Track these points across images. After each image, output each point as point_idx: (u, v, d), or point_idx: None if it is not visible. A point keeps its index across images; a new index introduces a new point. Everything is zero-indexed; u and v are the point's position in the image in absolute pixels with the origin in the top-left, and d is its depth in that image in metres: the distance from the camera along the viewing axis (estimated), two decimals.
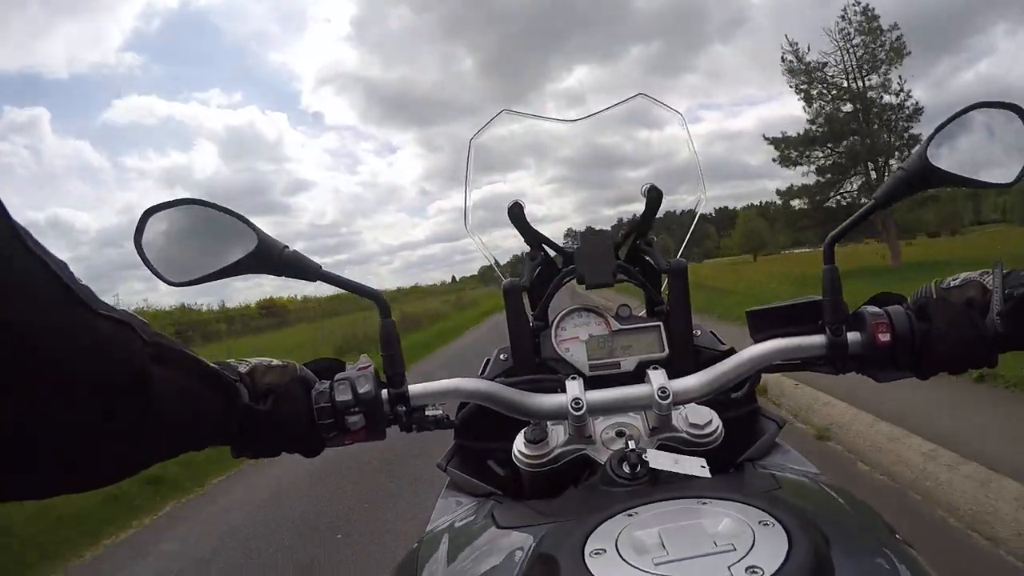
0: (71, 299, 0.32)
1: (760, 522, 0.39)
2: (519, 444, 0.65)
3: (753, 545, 0.36)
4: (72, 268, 0.33)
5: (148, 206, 0.55)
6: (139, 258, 0.55)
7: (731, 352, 0.69)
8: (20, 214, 0.30)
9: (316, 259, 0.60)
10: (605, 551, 0.38)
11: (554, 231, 0.85)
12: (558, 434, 0.65)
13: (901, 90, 18.71)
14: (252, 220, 0.58)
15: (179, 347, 0.43)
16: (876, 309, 0.60)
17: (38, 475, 0.35)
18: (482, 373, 0.79)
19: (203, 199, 0.57)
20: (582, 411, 0.60)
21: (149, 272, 0.56)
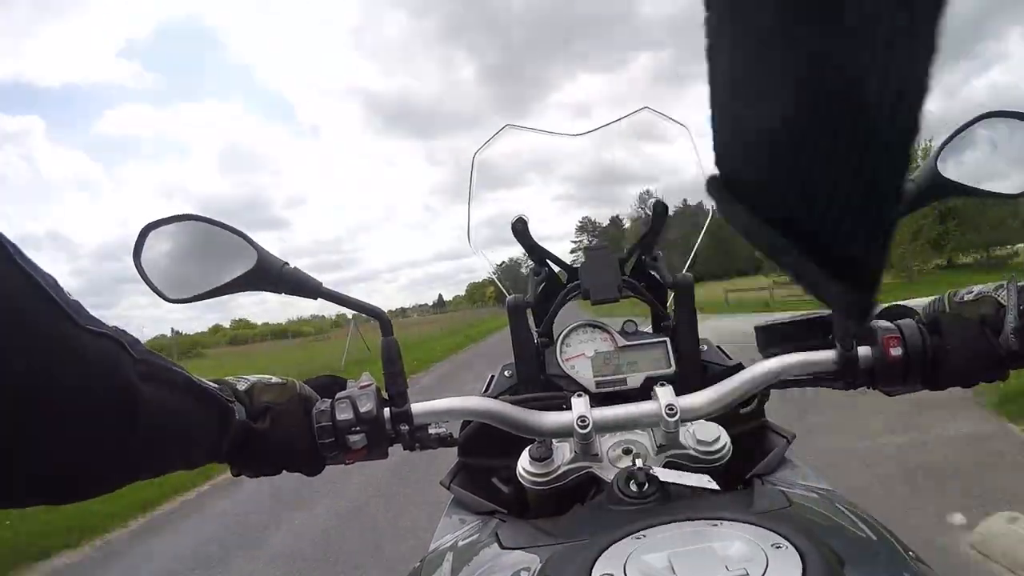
0: (57, 314, 0.32)
1: (773, 544, 0.38)
2: (524, 462, 0.64)
3: (767, 569, 0.35)
4: (72, 281, 0.32)
5: (147, 222, 0.55)
6: (138, 274, 0.55)
7: (739, 367, 0.68)
8: (16, 225, 0.29)
9: (318, 276, 0.60)
10: (613, 575, 0.37)
11: (559, 249, 0.84)
12: (563, 452, 0.63)
13: None
14: (252, 236, 0.57)
15: (170, 365, 0.42)
16: (887, 323, 0.59)
17: (17, 485, 0.34)
18: (486, 390, 0.78)
19: (202, 215, 0.56)
20: (588, 429, 0.58)
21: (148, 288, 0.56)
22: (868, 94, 0.14)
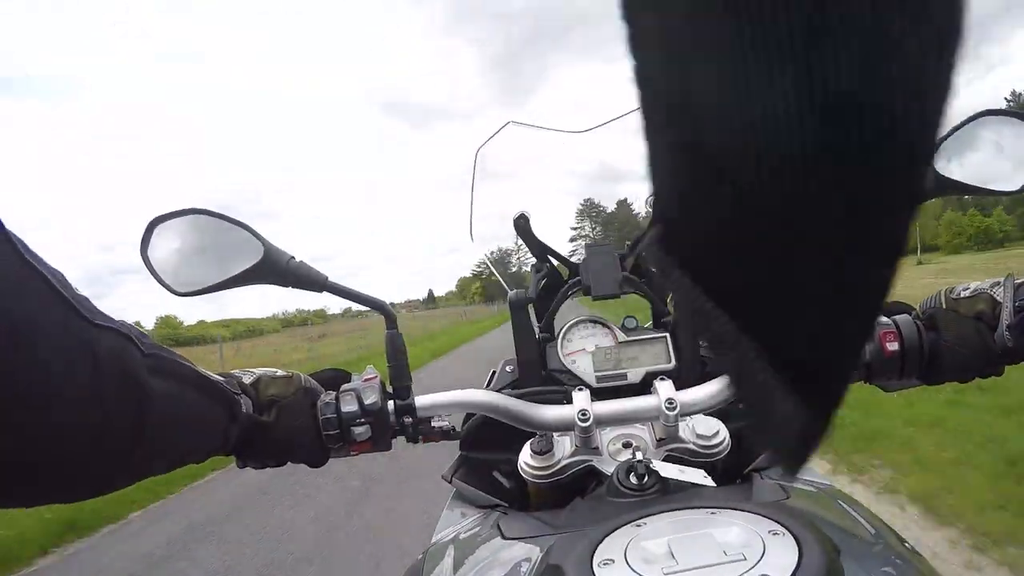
0: (67, 310, 0.32)
1: (770, 531, 0.38)
2: (525, 455, 0.65)
3: (763, 554, 0.36)
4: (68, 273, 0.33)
5: (154, 216, 0.55)
6: (145, 268, 0.55)
7: None
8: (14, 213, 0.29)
9: (323, 269, 0.60)
10: (614, 561, 0.38)
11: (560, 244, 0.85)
12: (564, 445, 0.64)
13: None
14: (258, 230, 0.58)
15: (178, 359, 0.42)
16: (884, 319, 0.60)
17: (31, 484, 0.34)
18: (488, 385, 0.79)
19: (209, 209, 0.57)
20: (588, 422, 0.59)
21: (156, 282, 0.56)
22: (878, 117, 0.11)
